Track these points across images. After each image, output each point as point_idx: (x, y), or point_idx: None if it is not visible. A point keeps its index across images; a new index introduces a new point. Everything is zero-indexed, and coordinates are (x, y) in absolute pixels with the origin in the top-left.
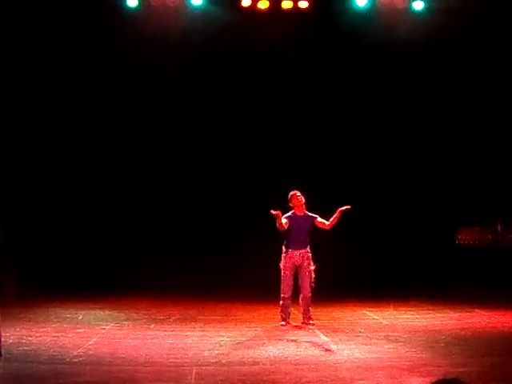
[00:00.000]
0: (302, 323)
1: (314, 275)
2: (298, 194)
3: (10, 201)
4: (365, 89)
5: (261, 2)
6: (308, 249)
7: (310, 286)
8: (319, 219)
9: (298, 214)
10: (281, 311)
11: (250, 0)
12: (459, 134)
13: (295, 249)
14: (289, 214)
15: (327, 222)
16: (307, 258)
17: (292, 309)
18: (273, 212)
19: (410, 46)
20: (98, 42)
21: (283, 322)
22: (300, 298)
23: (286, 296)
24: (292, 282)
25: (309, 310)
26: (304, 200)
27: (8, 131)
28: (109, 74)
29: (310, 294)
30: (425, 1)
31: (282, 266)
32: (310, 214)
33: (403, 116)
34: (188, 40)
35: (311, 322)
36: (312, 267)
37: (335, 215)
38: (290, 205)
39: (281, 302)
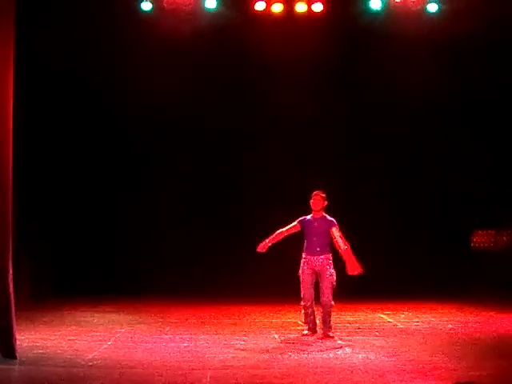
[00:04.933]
0: (323, 334)
1: (334, 281)
2: (317, 195)
3: (24, 204)
4: (379, 90)
5: (275, 5)
6: (328, 255)
7: (331, 293)
8: (335, 232)
9: (313, 216)
10: (304, 321)
11: (264, 3)
12: (474, 137)
13: (312, 254)
14: (304, 217)
15: (340, 247)
16: (327, 264)
17: (317, 318)
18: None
19: (424, 48)
20: (112, 45)
21: (306, 331)
22: (320, 305)
23: (307, 304)
24: (312, 290)
25: (329, 318)
26: (322, 203)
27: (20, 137)
28: (122, 77)
29: (331, 302)
30: (439, 3)
31: (300, 273)
32: (328, 218)
33: (417, 119)
34: (201, 43)
35: (330, 333)
36: (331, 271)
37: (345, 258)
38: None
39: (302, 311)
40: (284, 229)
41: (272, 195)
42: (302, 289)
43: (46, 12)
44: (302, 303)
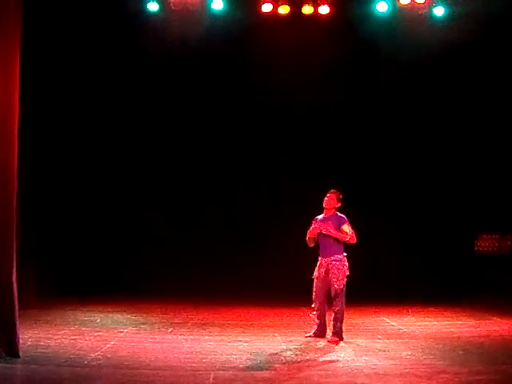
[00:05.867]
0: (329, 338)
1: (340, 288)
2: (333, 193)
3: (29, 205)
4: (384, 94)
5: (281, 7)
6: (336, 256)
7: (339, 300)
8: (345, 228)
9: (324, 215)
10: (315, 323)
11: (270, 5)
12: (479, 142)
13: (323, 256)
14: (316, 217)
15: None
16: (333, 267)
17: (328, 325)
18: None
19: (430, 51)
20: (119, 46)
21: (309, 334)
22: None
23: (315, 307)
24: (322, 293)
25: (338, 325)
26: (335, 203)
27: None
28: (129, 77)
29: (337, 308)
30: (446, 6)
31: (314, 274)
32: (338, 215)
33: (422, 123)
34: (208, 44)
35: (335, 338)
36: (338, 275)
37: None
38: None
39: (313, 312)
40: (307, 236)
41: (274, 197)
42: (313, 291)
43: (52, 13)
44: (313, 305)
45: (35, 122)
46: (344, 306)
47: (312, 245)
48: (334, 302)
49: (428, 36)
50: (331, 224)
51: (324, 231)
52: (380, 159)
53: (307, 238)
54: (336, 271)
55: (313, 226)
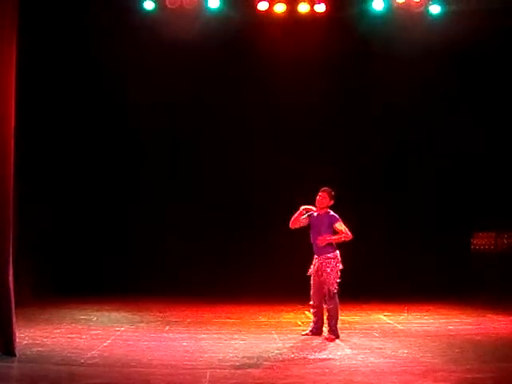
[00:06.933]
0: (326, 336)
1: (331, 286)
2: (324, 191)
3: (25, 203)
4: (381, 92)
5: (277, 6)
6: (329, 254)
7: (331, 298)
8: (339, 226)
9: (318, 212)
10: (312, 320)
11: (266, 3)
12: (475, 140)
13: (315, 253)
14: (312, 212)
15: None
16: (326, 266)
17: (325, 322)
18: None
19: (426, 49)
20: (115, 44)
21: (306, 331)
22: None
23: (313, 304)
24: (318, 291)
25: (332, 323)
26: (327, 202)
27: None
28: (125, 76)
29: (330, 306)
30: (442, 4)
31: (309, 272)
32: (330, 213)
33: (419, 121)
34: (204, 43)
35: (331, 336)
36: (329, 274)
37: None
38: None
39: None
40: (296, 215)
41: (272, 196)
42: (311, 288)
43: (47, 12)
44: (311, 302)
45: (31, 121)
46: (337, 304)
47: (294, 227)
48: (326, 300)
49: (424, 34)
50: (322, 222)
51: (318, 242)
52: (377, 157)
53: (292, 219)
54: (329, 270)
55: (299, 212)
